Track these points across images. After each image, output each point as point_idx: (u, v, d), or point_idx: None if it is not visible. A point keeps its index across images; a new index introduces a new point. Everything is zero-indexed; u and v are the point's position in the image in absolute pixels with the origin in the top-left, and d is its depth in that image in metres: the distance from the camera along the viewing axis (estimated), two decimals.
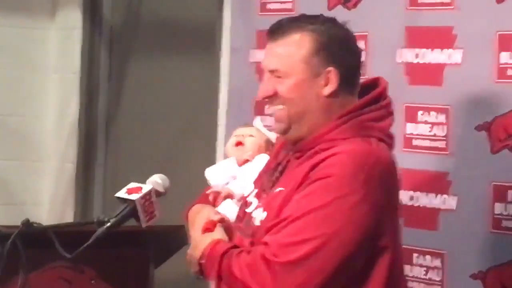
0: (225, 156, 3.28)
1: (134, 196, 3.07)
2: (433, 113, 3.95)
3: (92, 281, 4.01)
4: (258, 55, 4.53)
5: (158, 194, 3.14)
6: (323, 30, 2.94)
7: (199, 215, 3.15)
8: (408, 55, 4.03)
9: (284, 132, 2.97)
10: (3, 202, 5.54)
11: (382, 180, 2.82)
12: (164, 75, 5.51)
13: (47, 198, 5.77)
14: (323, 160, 2.80)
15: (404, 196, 3.86)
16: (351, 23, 3.78)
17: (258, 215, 2.94)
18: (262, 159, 3.21)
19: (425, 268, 3.72)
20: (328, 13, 3.88)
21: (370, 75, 3.71)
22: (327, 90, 2.89)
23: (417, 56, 3.98)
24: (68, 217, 5.50)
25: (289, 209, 2.78)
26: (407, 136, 4.03)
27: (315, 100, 2.90)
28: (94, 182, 5.67)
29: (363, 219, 2.76)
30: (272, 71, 2.91)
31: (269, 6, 4.57)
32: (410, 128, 4.04)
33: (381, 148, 2.87)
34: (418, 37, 4.01)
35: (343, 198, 2.74)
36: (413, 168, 3.88)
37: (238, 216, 3.12)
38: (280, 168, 3.03)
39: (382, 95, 2.98)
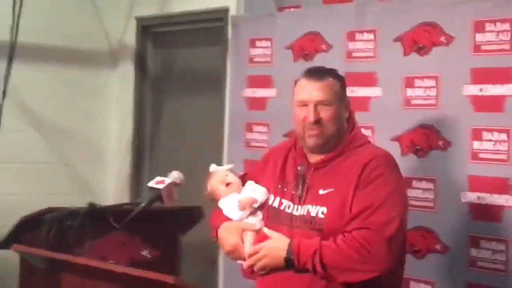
0: (216, 193, 3.08)
1: (160, 186, 3.13)
2: (495, 133, 3.54)
3: (140, 244, 4.03)
4: (247, 93, 4.59)
5: (176, 184, 3.18)
6: (339, 76, 2.93)
7: (233, 228, 2.92)
8: (473, 90, 3.60)
9: (322, 145, 2.86)
10: (83, 192, 5.52)
11: (398, 167, 2.88)
12: (188, 107, 5.49)
13: (112, 190, 5.80)
14: (367, 164, 2.77)
15: (472, 196, 3.57)
16: (426, 67, 3.77)
17: (315, 210, 2.81)
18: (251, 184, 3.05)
19: (491, 251, 3.51)
20: (404, 59, 3.89)
21: (441, 106, 3.71)
22: (347, 114, 2.91)
23: (481, 90, 3.57)
24: None
25: (365, 201, 2.72)
26: (474, 151, 3.61)
27: (342, 120, 2.89)
28: (142, 181, 5.60)
29: (406, 201, 2.87)
30: (318, 101, 2.82)
31: (256, 59, 4.56)
32: (476, 144, 3.60)
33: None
34: (482, 75, 3.58)
35: (397, 184, 2.79)
36: (480, 175, 3.55)
37: (274, 215, 2.92)
38: (301, 179, 2.90)
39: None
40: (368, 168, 2.76)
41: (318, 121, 2.80)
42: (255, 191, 3.00)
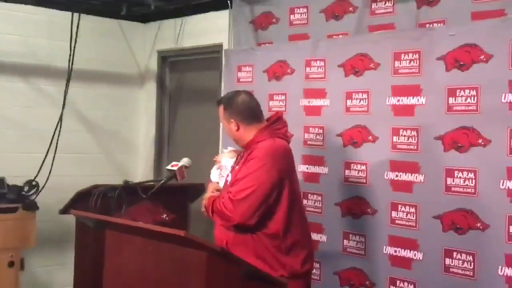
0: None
1: (174, 168, 3.16)
2: (408, 131, 3.42)
3: (161, 210, 4.04)
4: None
5: (185, 167, 3.21)
6: (224, 102, 3.00)
7: (210, 186, 3.12)
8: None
9: (237, 144, 3.06)
10: (121, 174, 5.45)
11: (281, 156, 2.84)
12: (194, 114, 5.46)
13: (141, 172, 5.75)
14: (252, 151, 2.85)
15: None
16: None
17: (229, 180, 2.95)
18: (228, 160, 3.17)
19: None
20: (345, 79, 3.77)
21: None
22: (234, 129, 2.96)
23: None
24: None
25: (239, 175, 2.82)
26: (393, 143, 3.47)
27: (233, 133, 2.98)
28: (162, 165, 5.56)
29: (273, 175, 2.78)
30: (221, 122, 3.05)
31: (242, 80, 4.51)
32: (395, 138, 3.48)
33: (280, 141, 2.89)
34: None
35: (262, 166, 2.77)
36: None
37: (225, 182, 3.04)
38: (238, 158, 3.03)
39: (280, 117, 2.99)
40: (251, 154, 2.82)
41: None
42: (229, 160, 3.13)
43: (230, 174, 3.00)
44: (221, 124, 4.71)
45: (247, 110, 2.95)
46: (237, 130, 2.94)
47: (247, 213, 2.75)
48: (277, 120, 2.97)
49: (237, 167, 2.92)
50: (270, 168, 2.77)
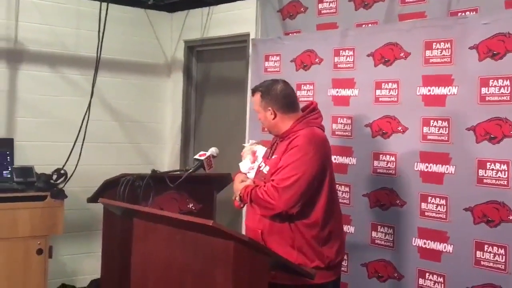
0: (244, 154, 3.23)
1: (202, 157, 3.16)
2: (439, 121, 3.39)
3: (187, 199, 3.99)
4: None
5: (213, 157, 3.21)
6: (262, 90, 2.95)
7: (238, 176, 3.07)
8: None
9: (270, 132, 3.02)
10: (148, 163, 5.47)
11: (321, 145, 2.83)
12: (221, 104, 5.45)
13: (167, 161, 5.76)
14: (292, 140, 2.82)
15: (422, 166, 3.45)
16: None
17: (265, 169, 2.91)
18: (261, 149, 3.17)
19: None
20: (374, 69, 3.75)
21: None
22: (271, 118, 2.93)
23: None
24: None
25: (281, 163, 2.78)
26: (424, 133, 3.47)
27: (269, 122, 2.95)
28: (189, 154, 5.59)
29: (316, 164, 2.77)
30: (255, 111, 3.00)
31: (269, 69, 4.50)
32: (425, 129, 3.47)
33: (318, 130, 2.89)
34: None
35: (305, 155, 2.75)
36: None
37: (257, 171, 3.02)
38: (273, 147, 2.99)
39: (315, 108, 2.98)
40: (291, 143, 2.80)
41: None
42: (262, 150, 3.13)
43: (263, 165, 2.99)
44: (247, 114, 4.79)
45: (285, 98, 2.93)
46: (274, 118, 2.93)
47: (291, 201, 2.73)
48: (313, 110, 2.97)
49: (274, 156, 2.90)
50: (312, 156, 2.76)
